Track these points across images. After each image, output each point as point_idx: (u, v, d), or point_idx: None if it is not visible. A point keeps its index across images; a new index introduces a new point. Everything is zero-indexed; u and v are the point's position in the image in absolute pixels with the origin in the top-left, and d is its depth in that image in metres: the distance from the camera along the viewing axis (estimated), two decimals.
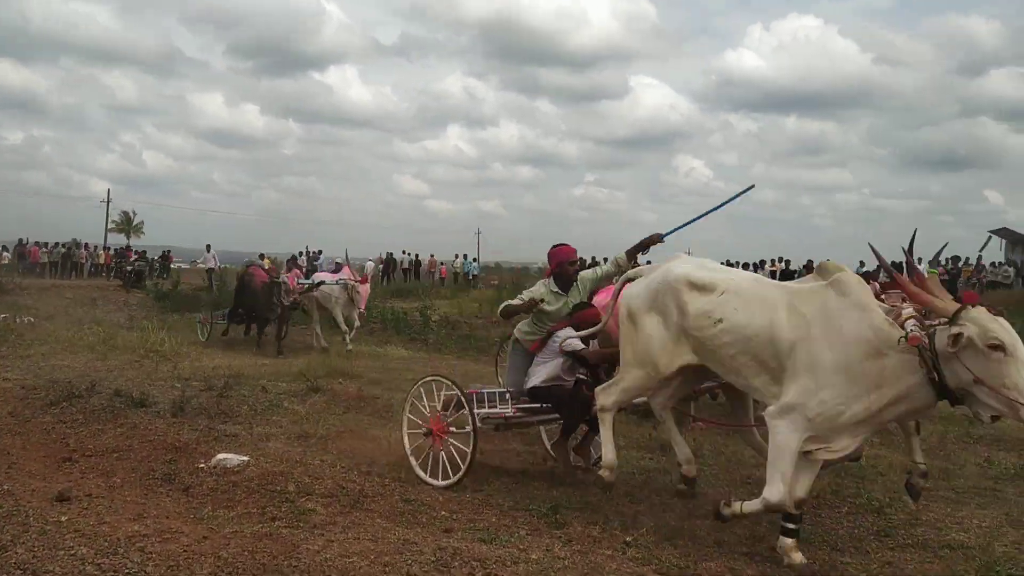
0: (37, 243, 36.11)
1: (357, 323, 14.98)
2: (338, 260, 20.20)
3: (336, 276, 14.87)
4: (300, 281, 14.75)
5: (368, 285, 15.09)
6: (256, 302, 14.11)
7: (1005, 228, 32.05)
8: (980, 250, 31.77)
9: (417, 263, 39.35)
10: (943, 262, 30.06)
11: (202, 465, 6.14)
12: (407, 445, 6.35)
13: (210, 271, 28.88)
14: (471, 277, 37.89)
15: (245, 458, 6.27)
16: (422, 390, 6.35)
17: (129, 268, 29.80)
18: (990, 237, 31.11)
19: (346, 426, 7.81)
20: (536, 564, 4.45)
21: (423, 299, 24.46)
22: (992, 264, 30.77)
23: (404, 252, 39.75)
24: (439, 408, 6.18)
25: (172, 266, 37.50)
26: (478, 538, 4.88)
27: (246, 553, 4.38)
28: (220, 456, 6.27)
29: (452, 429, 6.06)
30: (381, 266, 37.78)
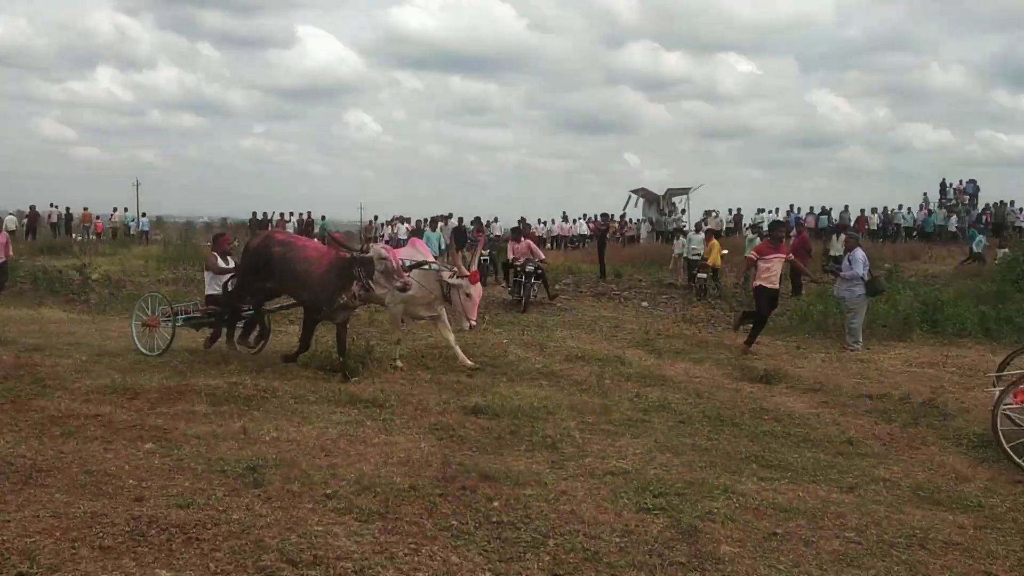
0: None
1: None
2: None
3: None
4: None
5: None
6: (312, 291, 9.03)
7: (643, 188, 35.55)
8: (624, 208, 35.20)
9: (68, 217, 35.93)
10: (595, 218, 32.89)
11: None
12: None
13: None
14: (143, 232, 35.43)
15: None
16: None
17: None
18: (630, 196, 34.38)
19: (5, 397, 7.13)
20: (238, 524, 4.44)
21: (79, 256, 22.48)
22: (631, 220, 34.22)
23: (52, 205, 36.13)
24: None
25: None
26: (173, 504, 4.76)
27: None
28: None
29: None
30: (25, 220, 34.25)
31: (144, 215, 38.48)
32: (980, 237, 24.64)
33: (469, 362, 9.60)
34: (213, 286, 10.04)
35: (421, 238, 21.15)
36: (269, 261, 9.06)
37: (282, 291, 9.77)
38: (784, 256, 11.75)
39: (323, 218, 36.70)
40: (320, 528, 4.48)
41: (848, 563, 4.36)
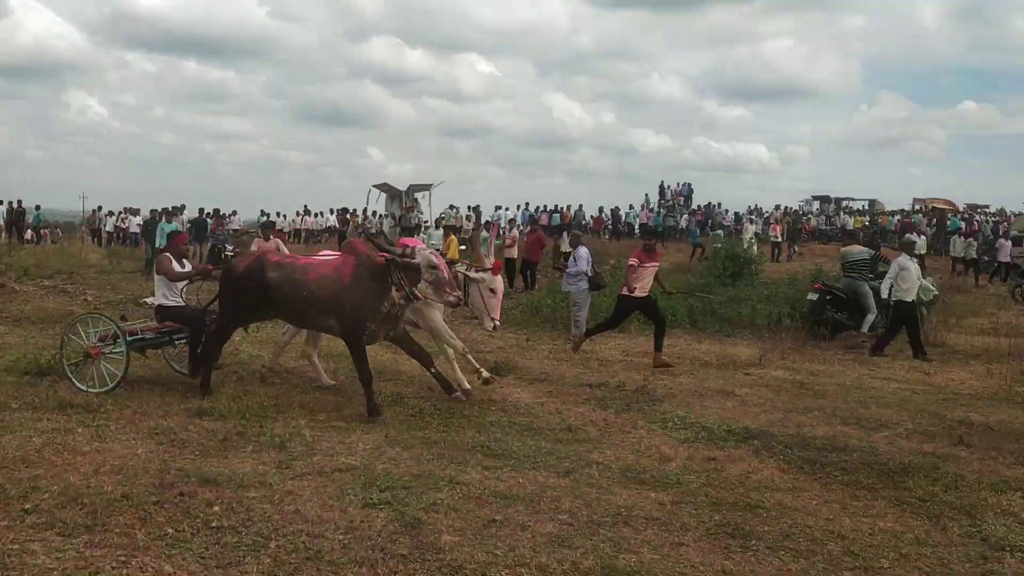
0: None
1: None
2: None
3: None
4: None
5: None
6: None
7: (386, 183, 35.56)
8: (366, 203, 35.07)
9: None
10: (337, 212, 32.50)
11: None
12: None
13: None
14: None
15: None
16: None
17: None
18: (371, 190, 34.30)
19: None
20: None
21: None
22: (374, 214, 34.18)
23: None
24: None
25: None
26: None
27: None
28: None
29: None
30: None
31: None
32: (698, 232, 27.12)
33: (486, 372, 8.60)
34: (167, 295, 8.36)
35: (155, 230, 19.94)
36: (266, 290, 7.58)
37: (300, 325, 8.33)
38: (657, 264, 11.04)
39: (37, 208, 33.49)
40: (15, 546, 4.17)
41: (560, 544, 4.64)
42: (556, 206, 35.42)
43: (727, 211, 35.58)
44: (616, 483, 5.86)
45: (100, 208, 35.55)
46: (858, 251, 14.35)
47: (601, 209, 36.65)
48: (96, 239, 33.95)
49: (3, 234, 29.29)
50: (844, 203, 41.79)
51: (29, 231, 31.50)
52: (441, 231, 20.97)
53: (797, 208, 40.26)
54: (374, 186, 35.35)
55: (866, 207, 41.40)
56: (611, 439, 7.10)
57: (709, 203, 36.31)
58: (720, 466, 6.29)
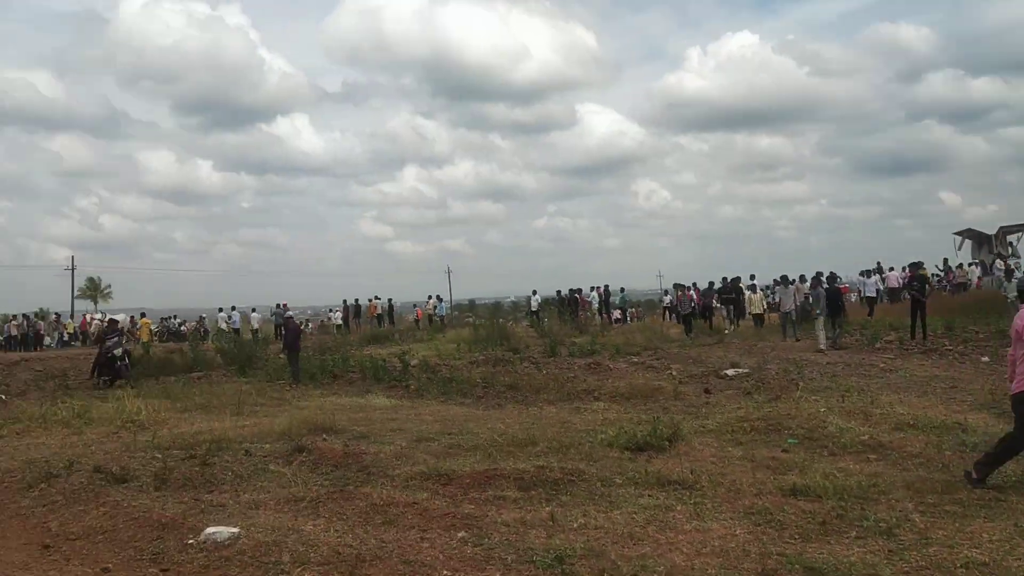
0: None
1: None
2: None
3: None
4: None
5: None
6: None
7: (970, 228, 32.34)
8: (958, 251, 32.12)
9: (391, 307, 39.24)
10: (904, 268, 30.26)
11: (191, 541, 5.92)
12: None
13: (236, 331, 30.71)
14: (441, 319, 37.73)
15: (235, 530, 6.05)
16: None
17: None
18: (955, 239, 31.25)
19: (335, 486, 7.60)
20: None
21: (399, 344, 24.21)
22: (959, 266, 31.11)
23: (376, 297, 39.60)
24: None
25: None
26: None
27: None
28: (209, 530, 6.05)
29: None
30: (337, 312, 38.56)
31: (440, 299, 40.63)
32: None
33: None
34: None
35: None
36: None
37: None
38: None
39: (622, 290, 36.59)
40: None
41: None
42: None
43: None
44: None
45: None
46: None
47: None
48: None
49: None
50: None
51: (617, 311, 34.55)
52: None
53: None
54: (956, 233, 32.36)
55: None
56: None
57: None
58: None
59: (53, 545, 6.10)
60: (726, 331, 23.92)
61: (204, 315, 40.96)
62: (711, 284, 27.13)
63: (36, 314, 37.99)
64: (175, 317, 44.16)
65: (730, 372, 15.19)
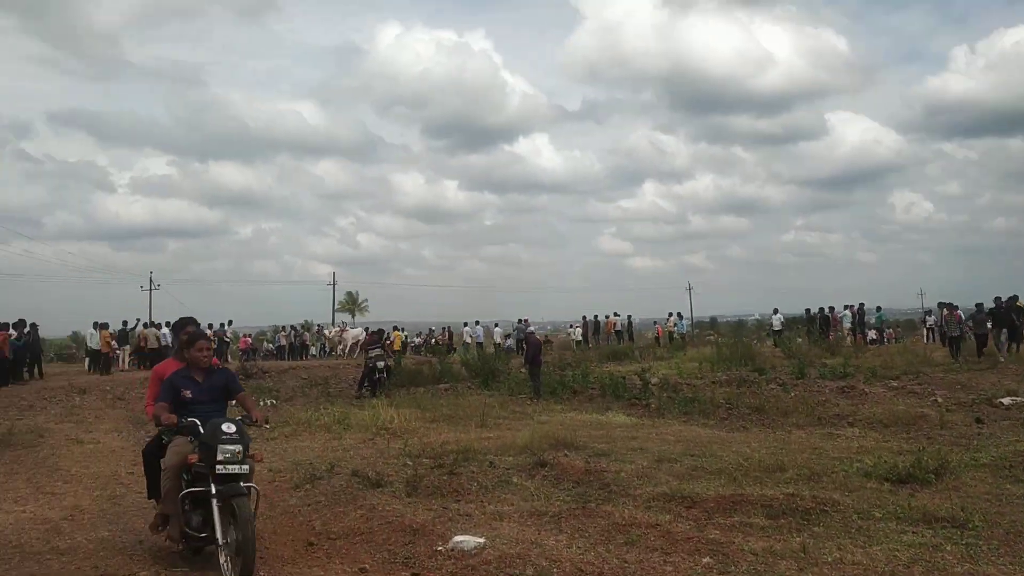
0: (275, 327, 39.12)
1: None
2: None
3: None
4: None
5: None
6: None
7: None
8: None
9: (630, 324, 39.15)
10: None
11: (440, 548, 6.12)
12: None
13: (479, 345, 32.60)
14: (681, 336, 37.13)
15: (481, 540, 6.19)
16: None
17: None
18: None
19: (577, 503, 7.59)
20: None
21: (639, 361, 24.05)
22: None
23: (615, 314, 39.67)
24: None
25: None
26: None
27: None
28: (457, 538, 6.23)
29: None
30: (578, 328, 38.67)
31: (680, 316, 39.91)
32: None
33: None
34: None
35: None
36: None
37: None
38: None
39: (878, 309, 34.39)
40: None
41: None
42: None
43: None
44: None
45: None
46: None
47: None
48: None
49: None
50: None
51: (873, 332, 32.51)
52: None
53: None
54: None
55: None
56: None
57: None
58: None
59: (316, 543, 6.51)
60: (1001, 357, 21.69)
61: (447, 326, 42.88)
62: (979, 305, 24.78)
63: (302, 325, 41.16)
64: (429, 331, 46.12)
65: (1006, 400, 13.76)
